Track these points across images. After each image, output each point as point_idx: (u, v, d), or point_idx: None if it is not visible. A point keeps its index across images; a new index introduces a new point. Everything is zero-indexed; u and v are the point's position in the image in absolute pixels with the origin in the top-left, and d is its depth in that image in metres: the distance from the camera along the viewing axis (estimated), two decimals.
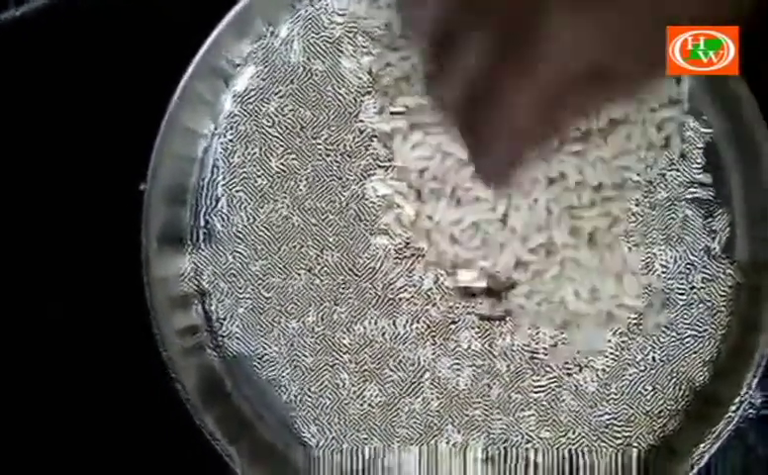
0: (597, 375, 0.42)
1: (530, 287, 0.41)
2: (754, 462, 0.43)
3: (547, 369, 0.41)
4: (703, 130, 0.43)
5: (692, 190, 0.43)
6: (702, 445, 0.39)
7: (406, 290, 0.41)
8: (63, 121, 0.48)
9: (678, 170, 0.43)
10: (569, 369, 0.42)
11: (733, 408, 0.39)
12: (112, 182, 0.47)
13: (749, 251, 0.42)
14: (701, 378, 0.42)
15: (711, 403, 0.41)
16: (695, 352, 0.42)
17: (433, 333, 0.41)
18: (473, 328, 0.41)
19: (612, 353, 0.42)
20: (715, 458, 0.39)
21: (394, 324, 0.41)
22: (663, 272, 0.42)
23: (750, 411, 0.43)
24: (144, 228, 0.43)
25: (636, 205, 0.42)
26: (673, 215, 0.42)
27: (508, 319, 0.41)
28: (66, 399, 0.47)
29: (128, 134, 0.46)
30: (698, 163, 0.43)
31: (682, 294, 0.42)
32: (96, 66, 0.48)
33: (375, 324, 0.42)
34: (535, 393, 0.42)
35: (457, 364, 0.41)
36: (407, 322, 0.41)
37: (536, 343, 0.41)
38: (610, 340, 0.42)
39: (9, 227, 0.48)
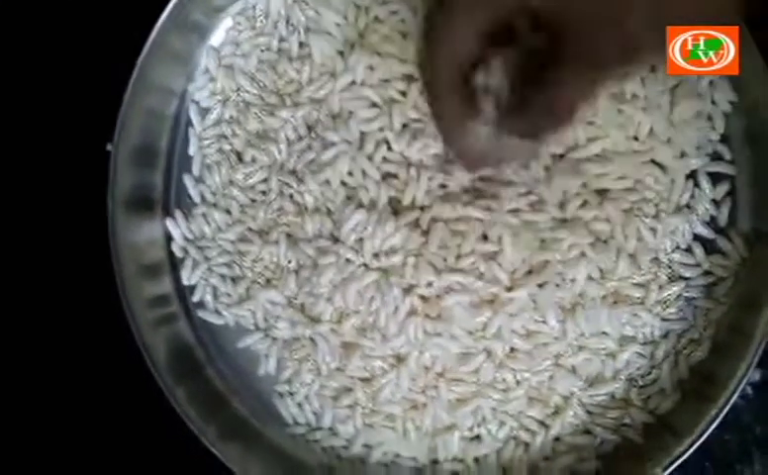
0: (594, 355, 0.41)
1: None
2: (751, 442, 0.42)
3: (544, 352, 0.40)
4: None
5: None
6: (700, 424, 0.38)
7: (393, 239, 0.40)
8: (26, 75, 0.46)
9: None
10: (566, 350, 0.41)
11: (732, 386, 0.38)
12: (77, 142, 0.44)
13: (752, 223, 0.41)
14: (699, 356, 0.41)
15: (709, 381, 0.40)
16: (694, 329, 0.41)
17: (424, 308, 0.40)
18: (467, 307, 0.39)
19: (611, 333, 0.41)
20: (711, 437, 0.38)
21: (381, 296, 0.39)
22: (671, 245, 0.41)
23: (748, 389, 0.42)
24: (111, 191, 0.40)
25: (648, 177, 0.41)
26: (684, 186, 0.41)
27: (510, 298, 0.40)
28: (29, 374, 0.45)
29: (94, 90, 0.44)
30: None
31: (686, 268, 0.41)
32: (59, 17, 0.46)
33: (359, 295, 0.40)
34: (529, 373, 0.40)
35: (447, 341, 0.40)
36: (395, 295, 0.39)
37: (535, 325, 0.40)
38: (613, 320, 0.41)
39: None
